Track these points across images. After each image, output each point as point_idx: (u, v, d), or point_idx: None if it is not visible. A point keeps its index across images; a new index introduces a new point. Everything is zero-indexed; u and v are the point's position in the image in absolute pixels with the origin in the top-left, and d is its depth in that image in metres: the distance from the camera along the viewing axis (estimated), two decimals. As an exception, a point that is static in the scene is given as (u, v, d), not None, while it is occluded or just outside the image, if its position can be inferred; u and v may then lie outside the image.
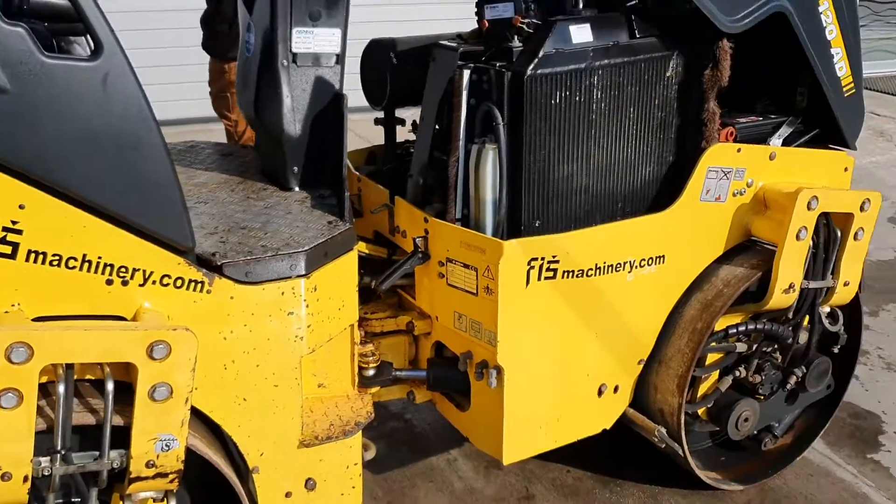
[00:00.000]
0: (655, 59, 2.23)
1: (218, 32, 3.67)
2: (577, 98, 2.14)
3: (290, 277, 1.82)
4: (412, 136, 2.65)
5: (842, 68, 2.63)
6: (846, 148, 2.62)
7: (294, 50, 2.06)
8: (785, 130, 2.51)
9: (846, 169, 2.60)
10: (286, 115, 2.11)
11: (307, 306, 1.86)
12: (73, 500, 1.76)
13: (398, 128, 2.76)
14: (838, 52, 2.60)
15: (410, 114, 2.64)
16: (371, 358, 2.33)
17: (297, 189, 2.20)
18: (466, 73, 2.15)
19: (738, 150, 2.34)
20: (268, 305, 1.81)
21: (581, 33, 2.11)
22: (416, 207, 2.33)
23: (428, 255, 2.29)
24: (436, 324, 2.38)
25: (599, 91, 2.17)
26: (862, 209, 2.42)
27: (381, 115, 2.73)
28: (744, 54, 2.35)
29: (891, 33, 9.93)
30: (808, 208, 2.30)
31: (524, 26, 2.19)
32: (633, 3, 2.29)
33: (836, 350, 2.69)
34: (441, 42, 2.35)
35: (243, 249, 1.82)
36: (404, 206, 2.38)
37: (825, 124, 2.62)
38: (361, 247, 2.46)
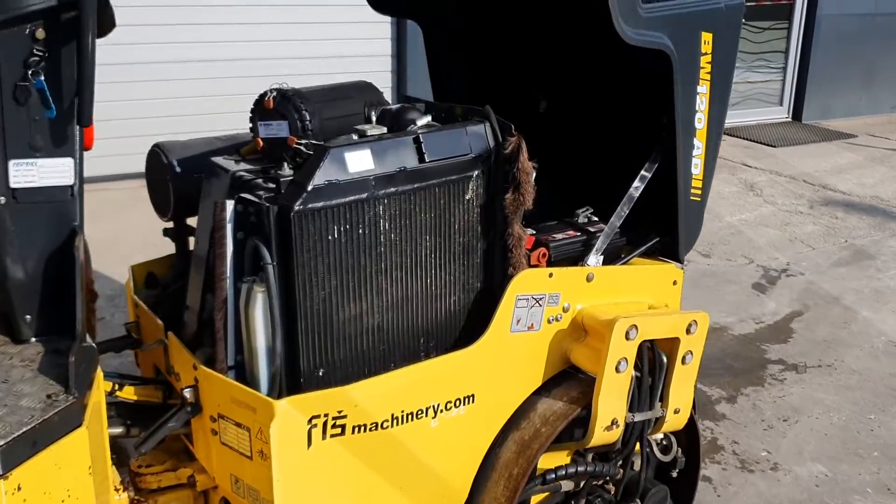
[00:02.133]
0: (452, 183, 2.00)
1: None
2: (361, 231, 1.88)
3: (-20, 480, 1.48)
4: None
5: (697, 166, 2.45)
6: (675, 261, 2.45)
7: (13, 185, 1.73)
8: (602, 244, 2.30)
9: (675, 283, 2.42)
10: (9, 260, 1.76)
11: (8, 511, 1.51)
12: None
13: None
14: (699, 148, 2.42)
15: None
16: (141, 522, 2.00)
17: (32, 340, 1.85)
18: (230, 205, 1.85)
19: (550, 276, 2.12)
20: (-50, 518, 1.46)
21: (359, 161, 1.85)
22: (186, 350, 2.02)
23: (199, 407, 1.97)
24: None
25: (387, 222, 1.91)
26: (688, 332, 2.23)
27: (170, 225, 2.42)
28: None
29: (764, 78, 10.19)
30: (627, 338, 2.09)
31: (302, 147, 1.93)
32: (426, 121, 2.06)
33: (674, 475, 2.51)
34: (215, 160, 2.06)
35: (-82, 450, 1.46)
36: (176, 345, 2.06)
37: (662, 229, 2.45)
38: (129, 392, 2.14)
